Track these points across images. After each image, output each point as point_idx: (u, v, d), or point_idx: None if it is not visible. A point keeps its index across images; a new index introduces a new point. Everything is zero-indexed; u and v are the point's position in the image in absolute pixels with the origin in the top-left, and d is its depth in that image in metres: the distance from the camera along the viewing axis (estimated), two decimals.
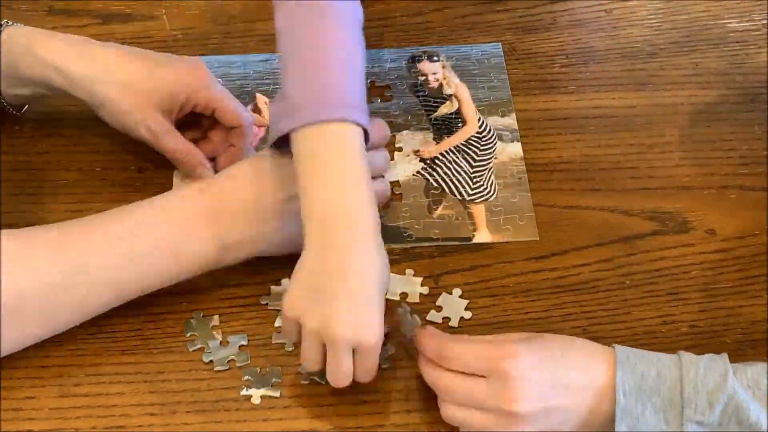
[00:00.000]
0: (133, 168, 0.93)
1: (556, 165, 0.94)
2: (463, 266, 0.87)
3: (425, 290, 0.84)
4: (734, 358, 0.80)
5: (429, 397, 0.77)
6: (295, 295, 0.74)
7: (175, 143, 0.88)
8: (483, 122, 0.98)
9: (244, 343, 0.81)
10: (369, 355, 0.74)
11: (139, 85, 0.86)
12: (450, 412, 0.73)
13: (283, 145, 0.79)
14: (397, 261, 0.87)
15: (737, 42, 1.05)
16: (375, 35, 1.06)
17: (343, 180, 0.75)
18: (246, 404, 0.77)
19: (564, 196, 0.92)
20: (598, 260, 0.87)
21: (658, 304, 0.84)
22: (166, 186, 0.91)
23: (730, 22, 1.07)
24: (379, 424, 0.76)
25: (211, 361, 0.80)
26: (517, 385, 0.70)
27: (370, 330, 0.73)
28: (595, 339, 0.81)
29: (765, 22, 1.07)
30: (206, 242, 0.79)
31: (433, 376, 0.74)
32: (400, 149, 0.96)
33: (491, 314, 0.83)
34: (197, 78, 0.88)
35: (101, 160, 0.94)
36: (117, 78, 0.86)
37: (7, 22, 0.88)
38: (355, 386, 0.77)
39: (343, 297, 0.72)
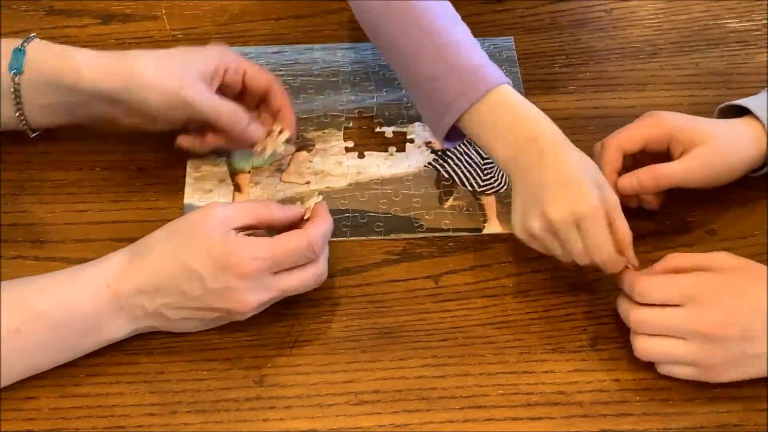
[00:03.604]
0: (133, 168, 0.93)
1: None
2: (463, 266, 0.87)
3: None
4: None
5: (428, 397, 0.78)
6: (519, 213, 0.81)
7: (219, 103, 0.87)
8: None
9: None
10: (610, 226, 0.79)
11: (172, 59, 0.87)
12: (645, 344, 0.76)
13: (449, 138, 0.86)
14: (396, 261, 0.87)
15: (737, 42, 1.05)
16: None
17: (525, 115, 0.82)
18: (246, 404, 0.77)
19: None
20: None
21: None
22: (166, 186, 0.92)
23: (730, 22, 1.07)
24: (379, 424, 0.77)
25: None
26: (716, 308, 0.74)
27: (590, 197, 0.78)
28: (595, 339, 0.81)
29: (765, 22, 1.07)
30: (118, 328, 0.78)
31: (625, 310, 0.78)
32: (411, 141, 0.96)
33: (491, 314, 0.83)
34: (223, 48, 0.91)
35: (101, 160, 0.94)
36: (150, 57, 0.87)
37: (29, 39, 0.86)
38: (354, 385, 0.78)
39: (563, 183, 0.78)
